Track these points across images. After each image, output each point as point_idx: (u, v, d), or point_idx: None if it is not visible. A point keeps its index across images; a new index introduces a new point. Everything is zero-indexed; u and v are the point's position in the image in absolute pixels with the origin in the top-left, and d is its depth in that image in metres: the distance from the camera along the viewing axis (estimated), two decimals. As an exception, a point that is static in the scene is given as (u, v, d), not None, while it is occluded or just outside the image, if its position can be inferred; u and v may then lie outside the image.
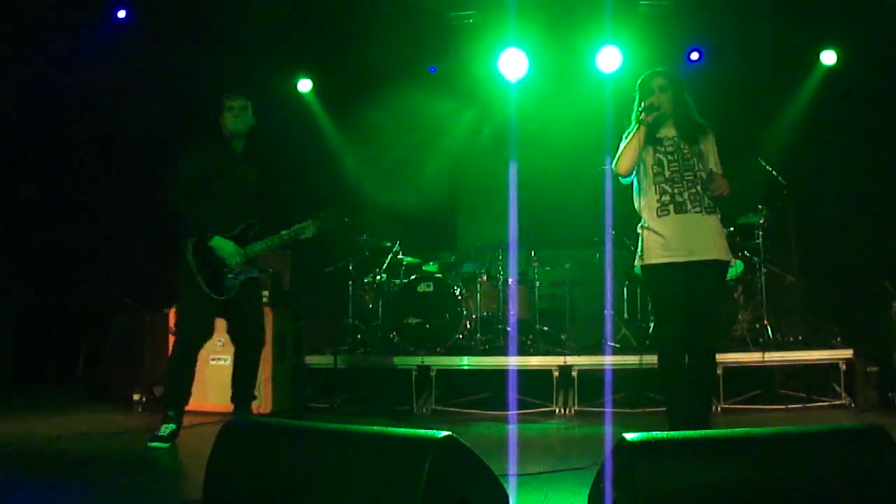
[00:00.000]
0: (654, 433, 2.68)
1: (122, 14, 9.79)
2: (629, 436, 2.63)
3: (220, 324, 7.31)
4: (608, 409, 6.99)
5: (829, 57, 9.46)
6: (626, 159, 4.97)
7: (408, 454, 2.59)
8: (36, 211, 8.83)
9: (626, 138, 4.98)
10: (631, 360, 7.32)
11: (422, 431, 2.70)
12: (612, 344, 7.92)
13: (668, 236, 4.81)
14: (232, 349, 7.25)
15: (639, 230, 4.99)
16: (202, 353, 7.24)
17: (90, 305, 8.87)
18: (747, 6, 8.80)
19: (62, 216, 8.81)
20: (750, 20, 8.85)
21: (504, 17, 9.42)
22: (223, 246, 5.78)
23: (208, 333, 6.02)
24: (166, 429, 5.46)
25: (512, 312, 8.25)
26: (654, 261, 4.85)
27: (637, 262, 4.99)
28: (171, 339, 7.36)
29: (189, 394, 5.81)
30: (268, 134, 10.54)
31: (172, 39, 9.47)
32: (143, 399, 7.48)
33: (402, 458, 2.59)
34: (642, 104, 4.94)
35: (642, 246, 4.93)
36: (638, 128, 4.90)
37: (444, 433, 2.65)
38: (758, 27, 8.87)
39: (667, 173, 4.86)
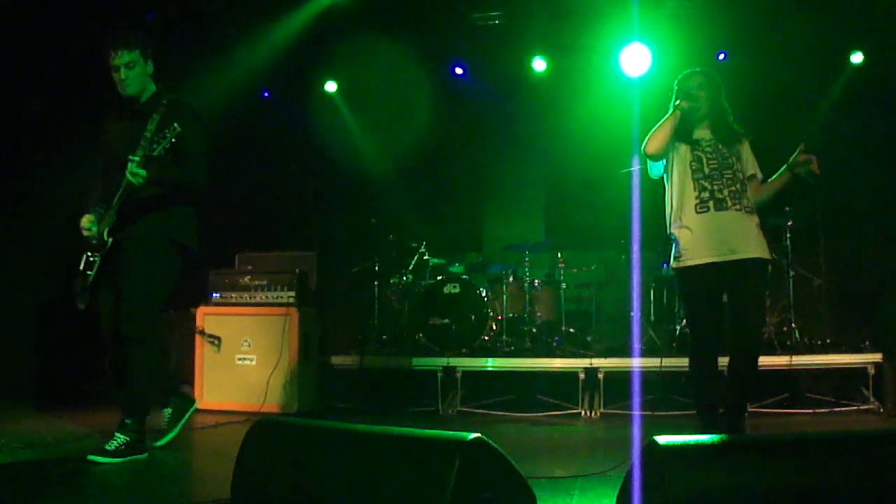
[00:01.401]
0: (685, 436, 2.66)
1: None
2: (660, 438, 2.61)
3: (247, 323, 7.39)
4: (634, 412, 6.96)
5: (857, 57, 9.39)
6: (656, 140, 4.88)
7: (437, 455, 2.59)
8: (61, 208, 8.91)
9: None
10: (657, 362, 7.27)
11: (451, 433, 2.70)
12: (637, 346, 7.88)
13: (708, 234, 4.71)
14: (259, 349, 7.33)
15: (672, 231, 4.87)
16: (228, 352, 7.34)
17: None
18: (775, 5, 8.73)
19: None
20: (778, 19, 8.79)
21: (531, 17, 9.41)
22: None
23: None
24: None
25: (537, 313, 8.24)
26: (692, 262, 4.74)
27: (673, 264, 4.87)
28: (198, 338, 7.41)
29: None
30: (294, 134, 10.67)
31: (199, 39, 9.51)
32: (170, 398, 7.51)
33: (432, 459, 2.59)
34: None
35: (678, 247, 4.82)
36: (672, 112, 4.86)
37: (474, 435, 2.65)
38: (786, 26, 8.80)
39: (706, 170, 4.79)
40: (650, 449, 2.65)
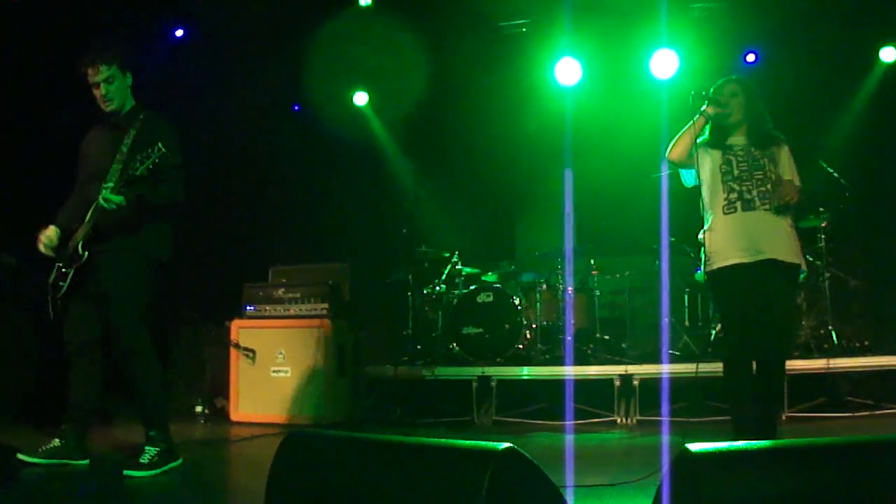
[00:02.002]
0: (719, 443, 2.63)
1: (179, 33, 9.98)
2: (692, 446, 2.58)
3: (281, 335, 7.42)
4: (670, 419, 6.91)
5: (888, 54, 9.29)
6: (679, 146, 4.88)
7: (469, 466, 2.57)
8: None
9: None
10: (692, 368, 7.21)
11: (483, 443, 2.68)
12: (673, 352, 7.82)
13: (735, 235, 4.69)
14: (293, 362, 7.36)
15: (701, 235, 4.85)
16: (263, 365, 7.37)
17: (154, 319, 8.99)
18: (803, 5, 8.66)
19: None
20: (807, 19, 8.72)
21: (558, 24, 9.40)
22: None
23: None
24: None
25: (569, 321, 8.20)
26: (720, 264, 4.71)
27: (704, 268, 4.84)
28: (233, 351, 7.45)
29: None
30: (325, 146, 10.73)
31: (230, 55, 9.60)
32: (205, 410, 7.57)
33: (463, 469, 2.57)
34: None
35: (706, 250, 4.80)
36: (698, 117, 4.83)
37: (506, 445, 2.62)
38: (815, 26, 8.73)
39: (735, 171, 4.75)
40: (682, 457, 2.61)
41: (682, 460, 2.62)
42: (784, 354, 4.76)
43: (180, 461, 4.94)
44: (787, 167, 4.82)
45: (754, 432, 4.44)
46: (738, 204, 4.70)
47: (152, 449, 4.83)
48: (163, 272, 5.20)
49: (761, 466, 2.51)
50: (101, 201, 4.67)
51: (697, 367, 6.90)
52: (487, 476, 2.49)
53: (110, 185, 4.70)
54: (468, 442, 2.73)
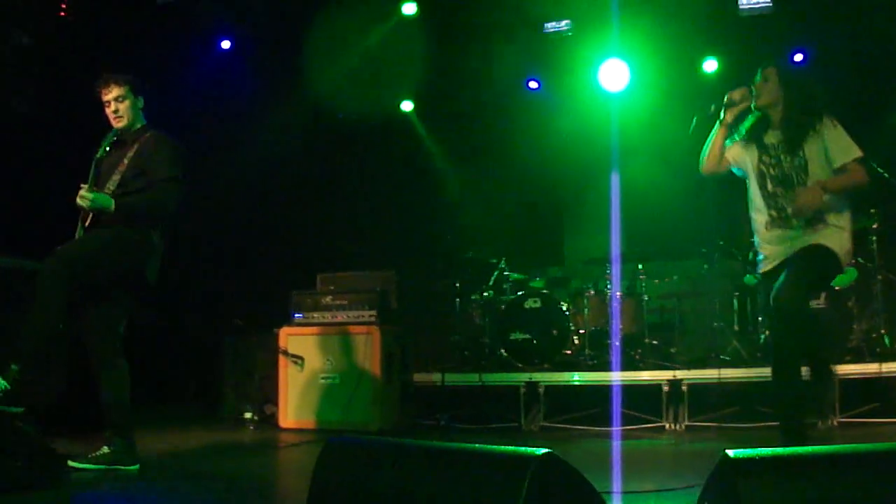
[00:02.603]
0: (760, 449, 2.60)
1: (226, 44, 10.11)
2: (732, 452, 2.55)
3: (329, 342, 7.47)
4: (719, 425, 6.83)
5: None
6: (708, 162, 4.95)
7: (507, 472, 2.57)
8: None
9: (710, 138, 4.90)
10: (742, 373, 7.14)
11: (521, 448, 2.68)
12: (723, 357, 7.73)
13: (775, 245, 4.75)
14: (341, 369, 7.40)
15: (754, 239, 4.92)
16: (311, 372, 7.42)
17: (203, 327, 9.13)
18: (850, 3, 8.54)
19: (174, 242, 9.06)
20: (855, 18, 8.58)
21: (603, 27, 9.36)
22: None
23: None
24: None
25: (616, 326, 8.15)
26: (764, 268, 4.81)
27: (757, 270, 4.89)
28: (282, 358, 7.52)
29: None
30: (371, 154, 10.80)
31: (276, 65, 9.71)
32: (254, 417, 7.64)
33: (502, 475, 2.57)
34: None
35: (756, 254, 4.89)
36: (719, 127, 4.82)
37: (544, 450, 2.62)
38: (862, 24, 8.59)
39: (769, 187, 4.75)
40: (723, 463, 2.59)
41: (722, 466, 2.60)
42: (789, 318, 4.51)
43: (136, 467, 5.00)
44: (817, 160, 4.67)
45: (798, 437, 4.39)
46: (779, 221, 4.72)
47: (106, 447, 4.93)
48: (143, 291, 5.29)
49: (803, 473, 2.47)
50: (78, 199, 4.90)
51: (746, 372, 6.84)
52: (526, 481, 2.49)
53: (86, 185, 4.96)
54: (507, 448, 2.73)
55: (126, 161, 5.12)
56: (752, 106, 4.86)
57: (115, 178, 5.08)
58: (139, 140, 5.21)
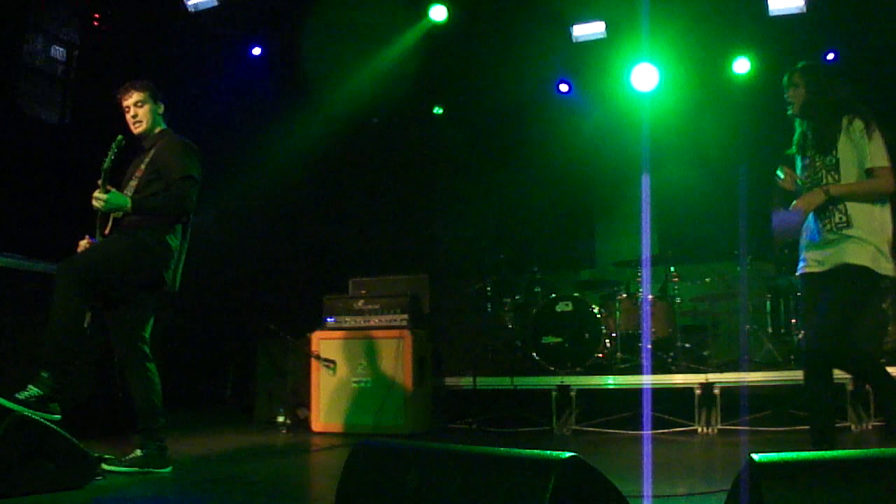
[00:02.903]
0: (785, 453, 2.59)
1: (256, 51, 10.21)
2: (757, 456, 2.55)
3: (361, 346, 7.50)
4: (752, 428, 6.78)
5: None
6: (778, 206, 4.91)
7: (532, 475, 2.59)
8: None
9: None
10: (775, 376, 7.08)
11: (546, 452, 2.69)
12: (755, 360, 7.69)
13: (805, 251, 4.78)
14: (373, 372, 7.44)
15: None
16: (344, 376, 7.46)
17: (238, 332, 9.20)
18: (883, 4, 8.45)
19: (208, 250, 9.14)
20: (888, 17, 8.49)
21: (634, 30, 9.34)
22: None
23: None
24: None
25: (647, 329, 8.12)
26: (798, 272, 4.85)
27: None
28: (314, 362, 7.56)
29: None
30: (403, 158, 10.84)
31: (308, 68, 9.77)
32: (287, 421, 7.69)
33: (526, 478, 2.59)
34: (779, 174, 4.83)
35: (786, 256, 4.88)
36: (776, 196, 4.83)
37: (569, 454, 2.63)
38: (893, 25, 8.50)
39: (806, 190, 4.71)
40: (748, 467, 2.59)
41: (748, 470, 2.59)
42: (822, 352, 4.55)
43: (168, 469, 5.05)
44: (848, 161, 4.60)
45: (826, 441, 4.37)
46: (812, 228, 4.74)
47: (138, 451, 4.98)
48: (166, 299, 5.36)
49: (828, 477, 2.46)
50: (93, 201, 4.97)
51: (780, 375, 6.79)
52: (551, 484, 2.51)
53: (100, 186, 4.97)
54: (532, 451, 2.75)
55: (143, 167, 5.24)
56: (788, 114, 4.85)
57: (133, 183, 5.20)
58: (156, 145, 5.31)
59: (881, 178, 4.49)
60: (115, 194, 4.94)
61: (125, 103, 5.33)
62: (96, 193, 4.92)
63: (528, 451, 2.78)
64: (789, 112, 4.83)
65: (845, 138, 4.60)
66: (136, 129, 5.35)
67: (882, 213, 4.57)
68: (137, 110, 5.31)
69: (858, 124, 4.57)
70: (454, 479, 2.75)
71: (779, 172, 4.83)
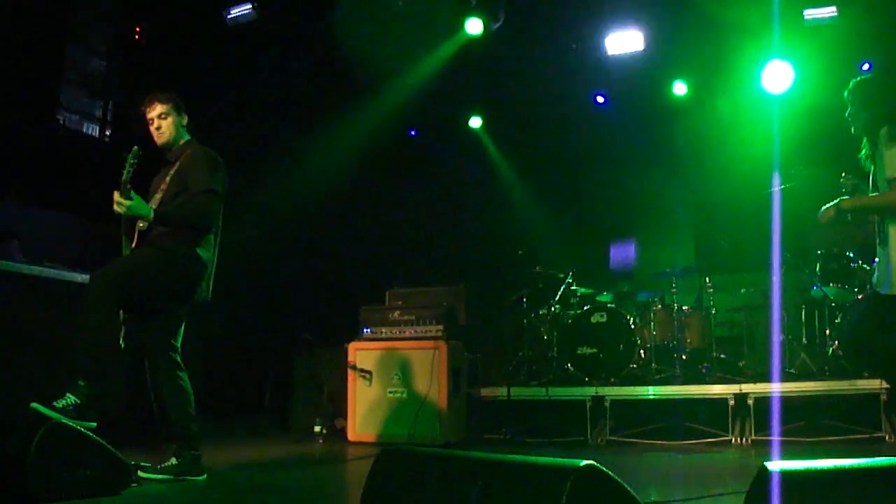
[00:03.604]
0: (801, 462, 2.63)
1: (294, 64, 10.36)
2: (770, 465, 2.59)
3: (397, 357, 7.58)
4: (785, 439, 6.76)
5: None
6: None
7: (549, 481, 2.64)
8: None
9: None
10: (810, 386, 7.04)
11: (563, 460, 2.75)
12: (790, 370, 7.65)
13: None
14: (408, 383, 7.51)
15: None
16: (379, 386, 7.54)
17: (276, 342, 9.32)
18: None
19: (248, 260, 9.26)
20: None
21: (670, 41, 9.37)
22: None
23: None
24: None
25: (682, 340, 8.12)
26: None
27: None
28: (350, 372, 7.65)
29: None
30: (440, 170, 10.93)
31: (346, 81, 9.90)
32: (324, 430, 7.79)
33: (543, 486, 2.64)
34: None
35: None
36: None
37: (586, 462, 2.68)
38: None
39: None
40: (760, 476, 2.63)
41: (760, 479, 2.63)
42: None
43: (203, 477, 5.13)
44: (881, 168, 4.44)
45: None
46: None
47: (173, 459, 5.06)
48: (201, 309, 5.43)
49: (840, 486, 2.50)
50: (115, 206, 4.98)
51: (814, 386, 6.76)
52: (566, 491, 2.56)
53: (120, 191, 4.97)
54: (549, 459, 2.80)
55: (168, 179, 5.28)
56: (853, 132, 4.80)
57: (157, 196, 5.24)
58: (181, 157, 5.36)
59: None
60: (140, 201, 4.95)
61: (149, 115, 5.37)
62: (118, 198, 4.93)
63: (546, 458, 2.84)
64: (852, 131, 4.75)
65: (878, 148, 4.50)
66: (160, 140, 5.39)
67: None
68: (161, 122, 5.35)
69: (885, 130, 4.40)
70: (473, 485, 2.82)
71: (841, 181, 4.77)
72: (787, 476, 2.54)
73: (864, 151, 4.69)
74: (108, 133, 9.44)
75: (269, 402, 9.26)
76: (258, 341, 9.55)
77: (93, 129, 9.38)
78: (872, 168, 4.58)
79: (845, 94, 4.78)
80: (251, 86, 9.83)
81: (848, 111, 4.75)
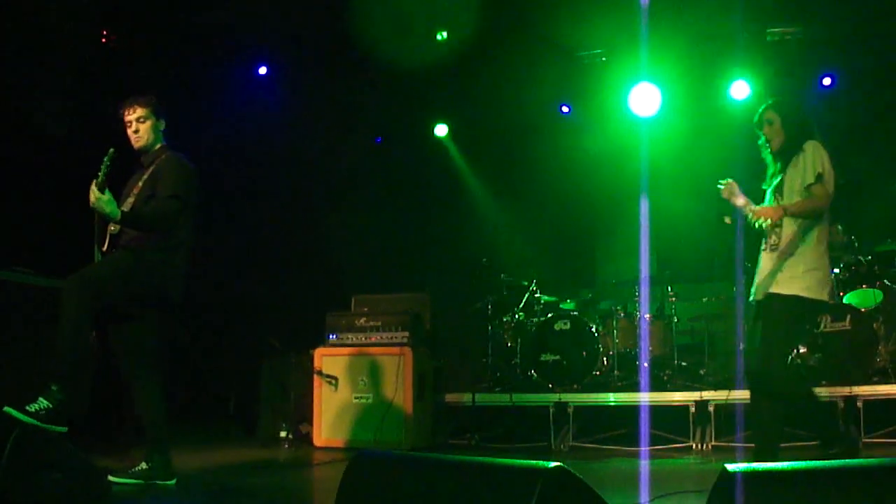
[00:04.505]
0: (758, 464, 2.71)
1: (262, 70, 10.39)
2: (731, 466, 2.68)
3: (363, 363, 7.63)
4: (745, 445, 6.87)
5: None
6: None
7: (518, 483, 2.71)
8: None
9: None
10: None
11: (532, 462, 2.81)
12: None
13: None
14: (374, 389, 7.56)
15: None
16: (345, 392, 7.59)
17: (242, 348, 9.32)
18: (879, 28, 8.58)
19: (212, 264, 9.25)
20: (883, 41, 8.62)
21: (635, 53, 9.48)
22: None
23: None
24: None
25: (645, 347, 8.23)
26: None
27: None
28: (316, 378, 7.69)
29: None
30: (406, 177, 10.97)
31: (311, 89, 9.93)
32: (290, 435, 7.81)
33: (513, 487, 2.71)
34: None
35: None
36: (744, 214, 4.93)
37: (555, 463, 2.75)
38: (891, 48, 8.63)
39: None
40: (722, 477, 2.71)
41: (722, 480, 2.72)
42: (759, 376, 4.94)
43: (173, 482, 5.13)
44: (793, 180, 4.78)
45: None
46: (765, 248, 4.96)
47: (143, 463, 5.09)
48: (169, 309, 5.43)
49: (798, 486, 2.59)
50: (90, 194, 4.90)
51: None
52: (536, 493, 2.63)
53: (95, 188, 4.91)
54: (519, 461, 2.87)
55: (140, 184, 5.27)
56: (764, 154, 5.00)
57: (130, 200, 5.23)
58: (155, 162, 5.34)
59: (816, 195, 4.67)
60: (111, 200, 4.87)
61: (127, 118, 5.33)
62: (93, 188, 4.85)
63: (516, 460, 2.91)
64: (768, 152, 4.98)
65: (794, 161, 4.79)
66: (136, 144, 5.35)
67: (812, 252, 4.75)
68: (139, 125, 5.31)
69: (809, 145, 4.75)
70: (446, 487, 2.88)
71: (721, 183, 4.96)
72: (747, 476, 2.63)
73: (771, 170, 5.00)
74: (74, 134, 9.36)
75: (234, 407, 9.25)
76: (224, 347, 9.55)
77: (60, 130, 9.29)
78: (779, 179, 4.86)
79: (756, 118, 4.99)
80: (219, 91, 9.84)
81: (765, 129, 4.94)
